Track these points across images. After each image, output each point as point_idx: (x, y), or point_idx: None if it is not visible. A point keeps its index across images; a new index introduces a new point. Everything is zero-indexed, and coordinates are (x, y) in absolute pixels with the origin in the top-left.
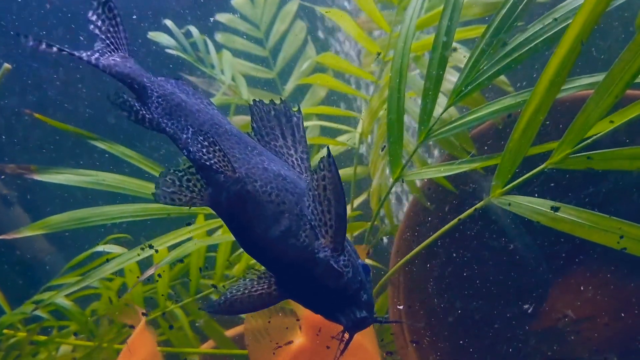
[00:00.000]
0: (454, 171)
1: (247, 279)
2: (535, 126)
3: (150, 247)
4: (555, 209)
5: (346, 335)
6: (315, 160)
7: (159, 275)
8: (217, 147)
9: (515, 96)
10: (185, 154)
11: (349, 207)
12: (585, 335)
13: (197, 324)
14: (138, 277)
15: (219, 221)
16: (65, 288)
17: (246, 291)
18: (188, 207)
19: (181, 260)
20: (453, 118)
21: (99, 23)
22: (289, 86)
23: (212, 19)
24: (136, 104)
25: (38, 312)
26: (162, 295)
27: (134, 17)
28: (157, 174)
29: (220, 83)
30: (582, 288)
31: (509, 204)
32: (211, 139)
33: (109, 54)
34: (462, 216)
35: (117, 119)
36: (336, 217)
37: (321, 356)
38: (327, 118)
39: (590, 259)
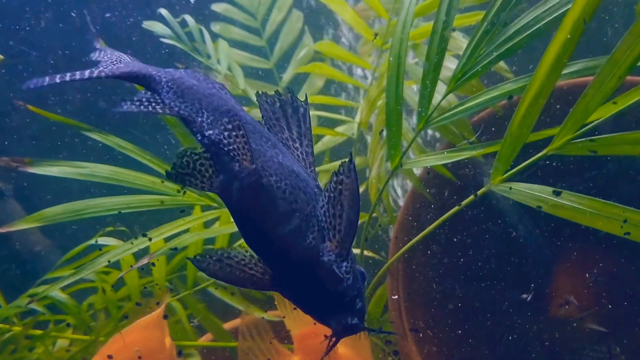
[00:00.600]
0: (454, 159)
1: (248, 254)
2: (536, 111)
3: (144, 235)
4: (558, 194)
5: (333, 340)
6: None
7: (153, 265)
8: (240, 133)
9: (516, 81)
10: (199, 138)
11: None
12: (587, 322)
13: (192, 323)
14: (132, 265)
15: (215, 213)
16: (60, 281)
17: (242, 263)
18: (182, 194)
19: (177, 250)
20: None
21: (101, 56)
22: (287, 76)
23: (207, 10)
24: (147, 93)
25: (34, 306)
26: (159, 287)
27: (130, 5)
28: (153, 165)
29: (216, 73)
30: (585, 274)
31: (510, 191)
32: (236, 123)
33: (112, 65)
34: (461, 205)
35: (108, 105)
36: (347, 223)
37: None
38: (325, 108)
39: (594, 244)
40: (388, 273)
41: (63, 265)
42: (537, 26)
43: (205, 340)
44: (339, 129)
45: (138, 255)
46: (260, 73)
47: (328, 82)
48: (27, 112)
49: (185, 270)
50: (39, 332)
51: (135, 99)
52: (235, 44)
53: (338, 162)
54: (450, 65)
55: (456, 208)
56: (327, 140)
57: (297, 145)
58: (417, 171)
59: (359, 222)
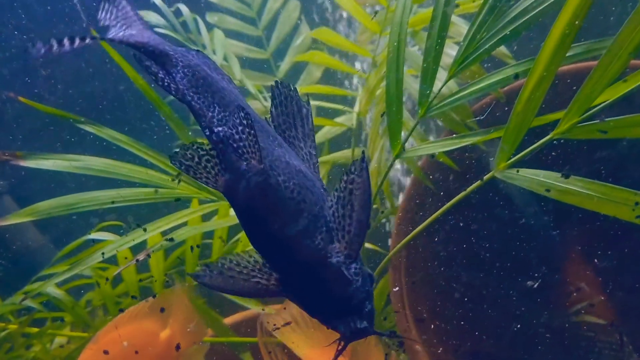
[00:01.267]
0: (456, 145)
1: (252, 259)
2: (540, 95)
3: (138, 226)
4: (567, 176)
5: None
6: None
7: (148, 256)
8: (252, 132)
9: (518, 65)
10: (207, 133)
11: None
12: (598, 310)
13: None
14: (127, 258)
15: (213, 206)
16: (55, 277)
17: (244, 271)
18: (177, 183)
19: (172, 241)
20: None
21: (108, 15)
22: (284, 66)
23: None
24: (161, 72)
25: (29, 303)
26: (157, 281)
27: None
28: (149, 158)
29: None
30: (595, 261)
31: (515, 177)
32: (249, 121)
33: (124, 30)
34: (464, 193)
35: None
36: (356, 224)
37: None
38: (322, 98)
39: (604, 228)
40: (390, 265)
41: (59, 262)
42: (540, 7)
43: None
44: (338, 119)
45: (135, 251)
46: (259, 64)
47: (328, 74)
48: (20, 109)
49: (184, 265)
50: (35, 329)
51: (152, 71)
52: (231, 34)
53: (338, 153)
54: (450, 51)
55: (458, 198)
56: (326, 131)
57: (302, 145)
58: (419, 161)
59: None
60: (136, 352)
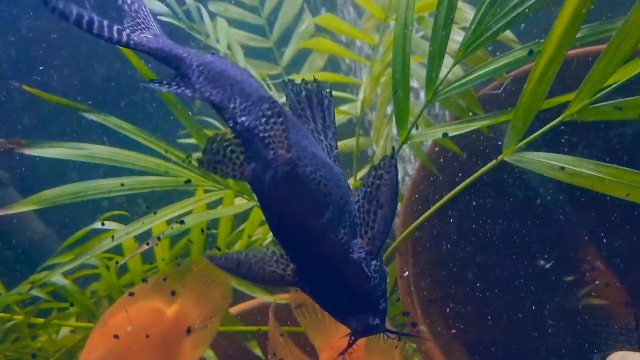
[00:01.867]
0: (464, 129)
1: (269, 251)
2: (550, 76)
3: (148, 208)
4: (576, 158)
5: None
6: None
7: (156, 243)
8: (279, 120)
9: (524, 48)
10: (231, 124)
11: (351, 180)
12: (611, 292)
13: None
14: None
15: (219, 194)
16: (62, 266)
17: (260, 262)
18: (187, 164)
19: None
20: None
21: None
22: (288, 54)
23: None
24: (175, 80)
25: (35, 292)
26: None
27: None
28: (154, 146)
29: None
30: (611, 239)
31: (524, 161)
32: (277, 110)
33: (140, 31)
34: (470, 179)
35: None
36: (381, 220)
37: None
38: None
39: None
40: (396, 251)
41: (65, 252)
42: None
43: None
44: (342, 107)
45: (140, 240)
46: (262, 53)
47: (334, 65)
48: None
49: (189, 255)
50: (41, 320)
51: (165, 82)
52: (233, 23)
53: (342, 142)
54: (456, 37)
55: (467, 181)
56: None
57: (322, 137)
58: (424, 147)
59: None
60: (147, 337)
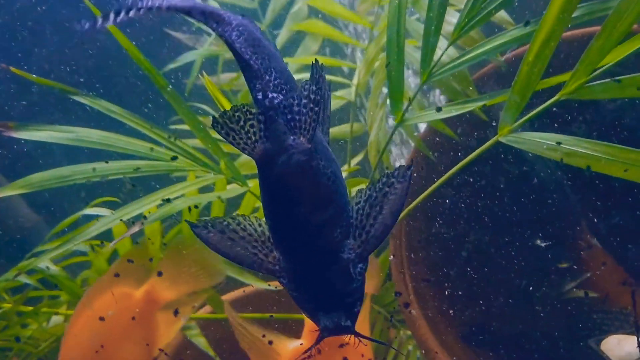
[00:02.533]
0: (459, 111)
1: (260, 229)
2: (546, 55)
3: (133, 186)
4: (569, 142)
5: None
6: None
7: (144, 219)
8: (316, 109)
9: (520, 28)
10: (259, 97)
11: (345, 167)
12: (610, 268)
13: None
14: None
15: (211, 179)
16: (49, 252)
17: (246, 238)
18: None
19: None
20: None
21: None
22: (281, 37)
23: None
24: (219, 28)
25: (25, 279)
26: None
27: None
28: (146, 131)
29: (207, 36)
30: (611, 214)
31: (519, 142)
32: (318, 97)
33: None
34: (464, 162)
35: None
36: (379, 227)
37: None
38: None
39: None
40: (390, 237)
41: (54, 239)
42: None
43: (203, 312)
44: (337, 93)
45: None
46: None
47: (328, 51)
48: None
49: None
50: (29, 308)
51: (209, 25)
52: (226, 6)
53: (336, 128)
54: (451, 19)
55: (458, 167)
56: None
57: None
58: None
59: (360, 186)
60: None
